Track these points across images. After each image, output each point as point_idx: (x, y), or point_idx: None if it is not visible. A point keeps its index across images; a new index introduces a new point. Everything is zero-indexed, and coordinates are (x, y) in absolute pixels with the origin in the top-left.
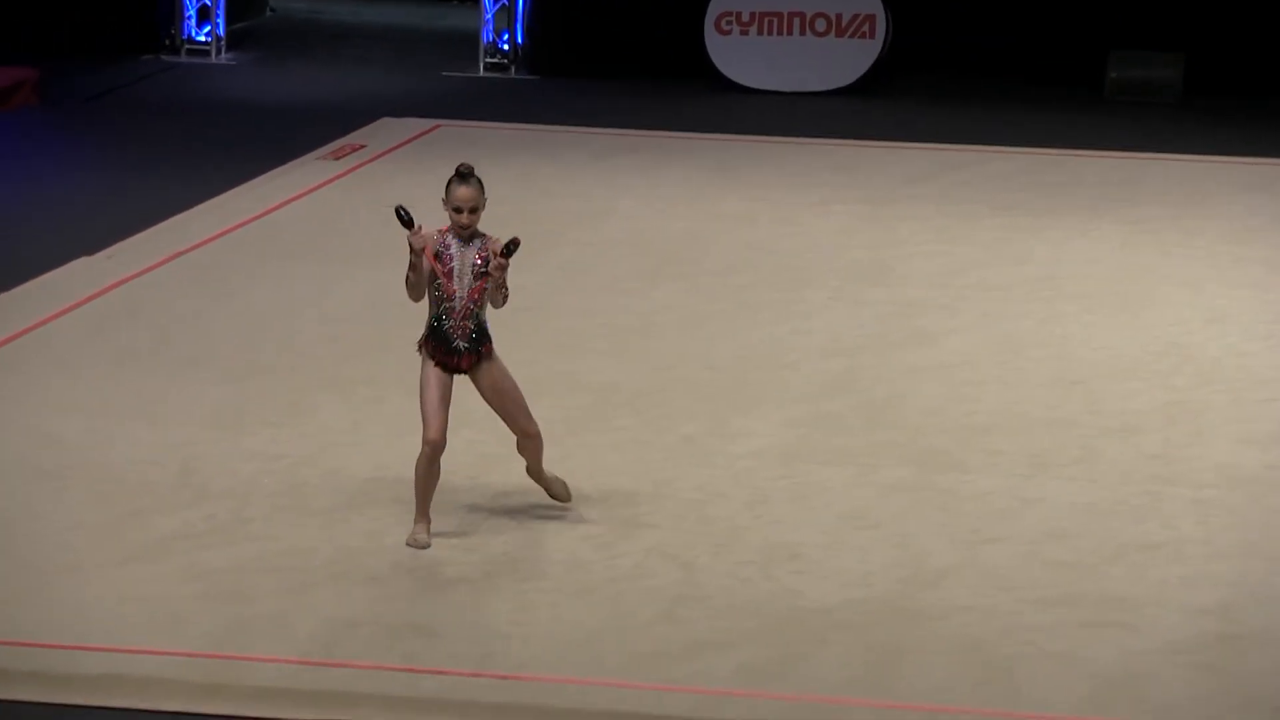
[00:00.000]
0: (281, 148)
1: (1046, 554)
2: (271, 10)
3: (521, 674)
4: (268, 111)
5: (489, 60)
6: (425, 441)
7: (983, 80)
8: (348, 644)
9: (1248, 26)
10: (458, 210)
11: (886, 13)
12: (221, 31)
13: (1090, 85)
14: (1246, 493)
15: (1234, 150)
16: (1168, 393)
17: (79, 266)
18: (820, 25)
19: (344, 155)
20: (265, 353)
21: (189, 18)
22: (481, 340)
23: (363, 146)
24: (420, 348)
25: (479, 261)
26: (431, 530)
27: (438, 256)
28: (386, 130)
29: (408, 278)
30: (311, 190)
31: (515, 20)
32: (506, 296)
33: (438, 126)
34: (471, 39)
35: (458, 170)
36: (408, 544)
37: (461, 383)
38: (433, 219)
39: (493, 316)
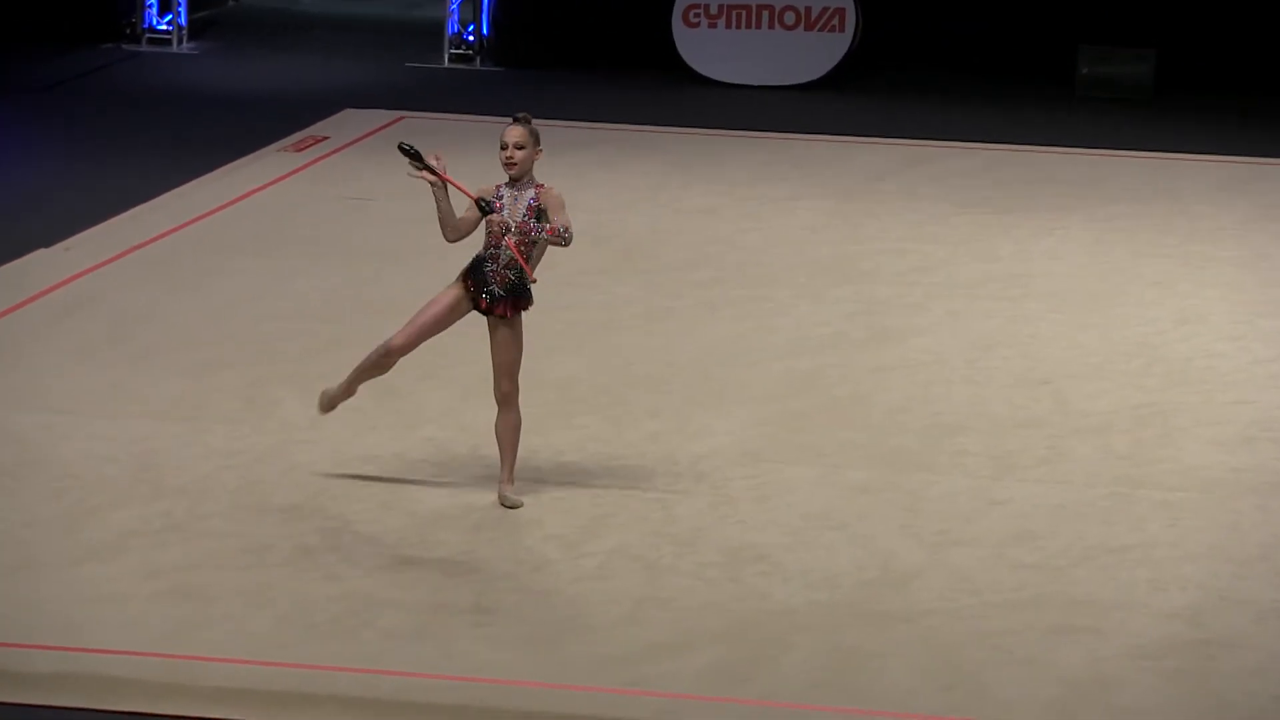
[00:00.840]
0: (243, 139)
1: (1014, 556)
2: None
3: (483, 676)
4: (229, 102)
5: (454, 52)
6: (388, 341)
7: (952, 75)
8: (306, 644)
9: (1220, 23)
10: (502, 147)
11: (857, 7)
12: (184, 20)
13: (1060, 81)
14: (1216, 495)
15: (1206, 149)
16: (1137, 393)
17: (35, 259)
18: (789, 18)
19: (306, 147)
20: (225, 347)
21: (150, 6)
22: (517, 293)
23: (325, 139)
24: (461, 277)
25: (529, 212)
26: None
27: (486, 206)
28: (349, 122)
29: (439, 217)
30: (273, 183)
31: (481, 12)
32: (567, 237)
33: (401, 118)
34: (436, 30)
35: (514, 115)
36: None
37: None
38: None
39: None
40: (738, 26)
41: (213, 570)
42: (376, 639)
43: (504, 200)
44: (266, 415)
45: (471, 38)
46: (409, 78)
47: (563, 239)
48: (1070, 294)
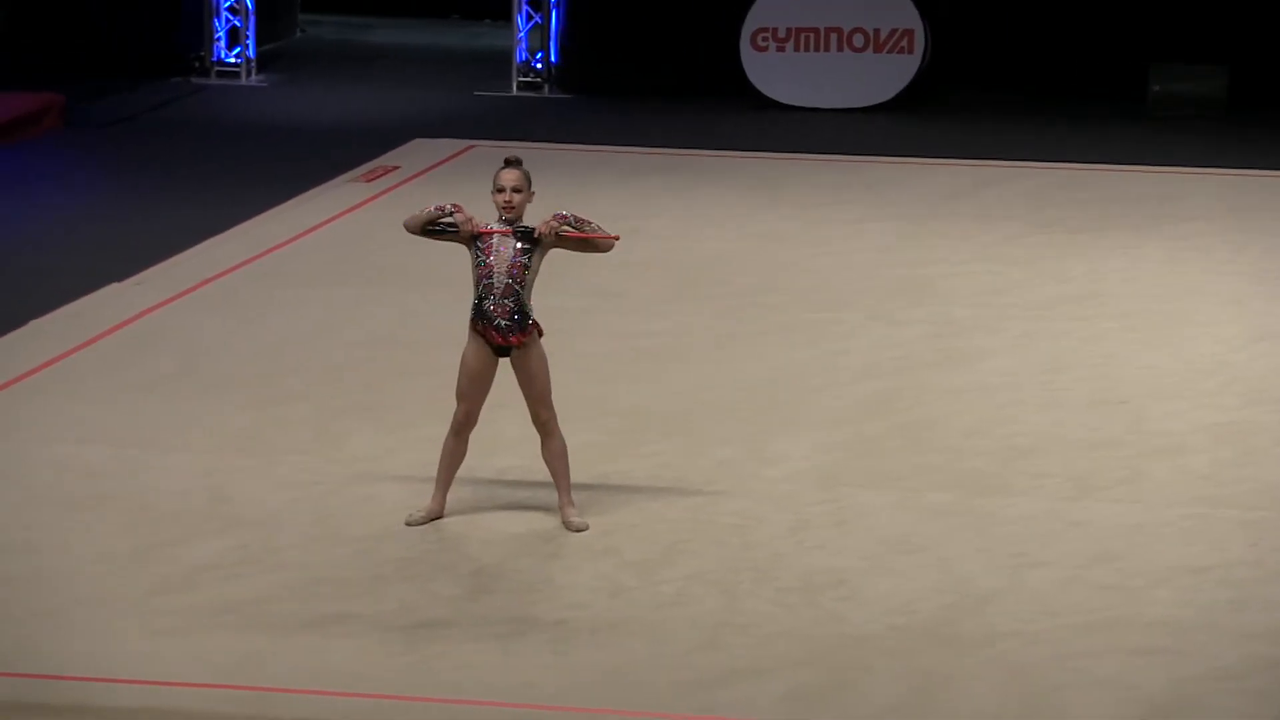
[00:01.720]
0: (313, 170)
1: (1092, 577)
2: (302, 31)
3: (561, 705)
4: (298, 133)
5: (522, 79)
6: (454, 417)
7: (1023, 95)
8: (383, 675)
9: None
10: (499, 190)
11: (926, 27)
12: (252, 53)
13: (1132, 99)
14: None
15: (1279, 164)
16: (1215, 412)
17: (107, 294)
18: (858, 41)
19: (376, 178)
20: (295, 379)
21: (219, 39)
22: (525, 320)
23: (396, 168)
24: (471, 327)
25: (519, 246)
26: (445, 513)
27: (477, 240)
28: (419, 151)
29: (427, 212)
30: (344, 214)
31: (550, 39)
32: (597, 243)
33: (471, 147)
34: (505, 58)
35: (505, 159)
36: (406, 522)
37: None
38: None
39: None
40: (806, 50)
41: (286, 602)
42: (453, 668)
43: (494, 243)
44: (338, 446)
45: (540, 65)
46: (478, 106)
47: (602, 231)
48: (1144, 313)
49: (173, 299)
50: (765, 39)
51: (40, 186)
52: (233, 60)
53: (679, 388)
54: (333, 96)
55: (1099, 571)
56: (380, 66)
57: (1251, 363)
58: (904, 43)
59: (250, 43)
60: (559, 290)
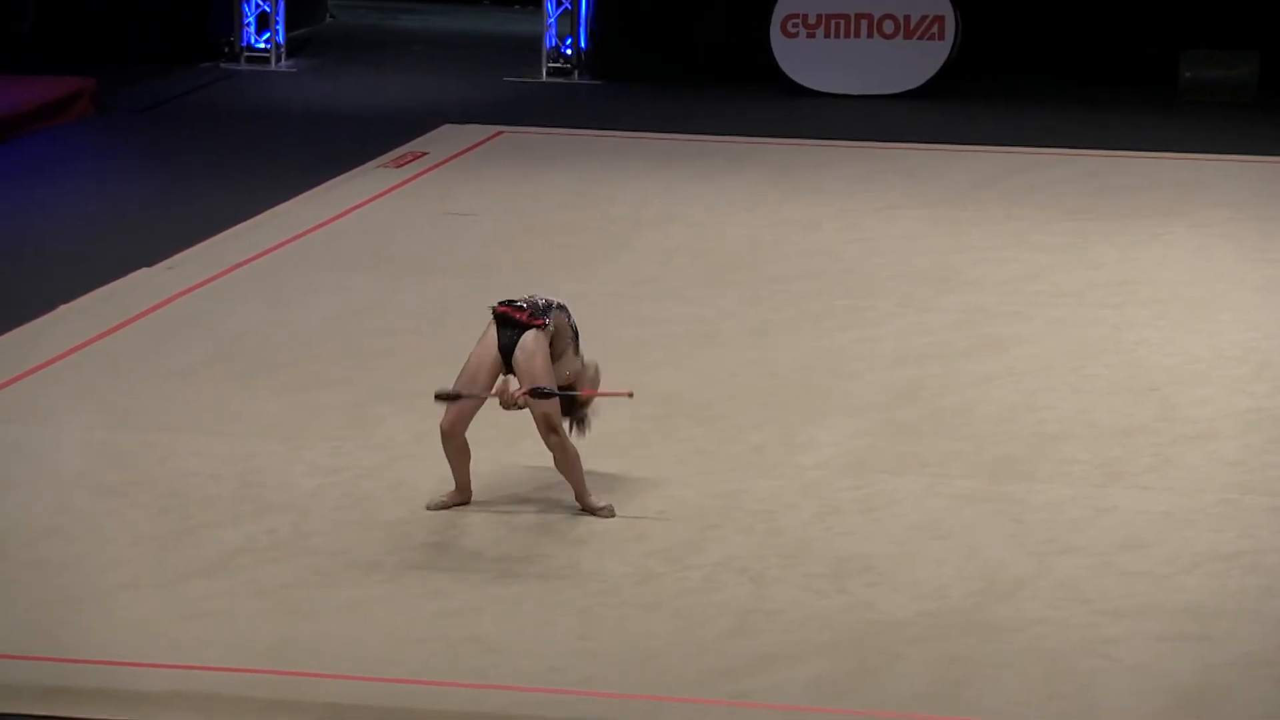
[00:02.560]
0: (342, 156)
1: (1122, 564)
2: (331, 16)
3: (589, 689)
4: (328, 119)
5: (552, 65)
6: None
7: (1052, 81)
8: (412, 659)
9: None
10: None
11: (956, 13)
12: (281, 39)
13: (1162, 86)
14: None
15: None
16: (1245, 399)
17: (138, 278)
18: (888, 27)
19: (405, 163)
20: (326, 364)
21: (248, 24)
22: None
23: (424, 154)
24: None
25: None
26: (470, 502)
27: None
28: (448, 137)
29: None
30: (374, 199)
31: (579, 25)
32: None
33: (500, 133)
34: (534, 44)
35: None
36: (426, 506)
37: None
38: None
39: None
40: (836, 36)
41: (318, 587)
42: (482, 654)
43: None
44: (369, 431)
45: (569, 51)
46: (507, 92)
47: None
48: (1174, 300)
49: (203, 283)
50: (795, 25)
51: (71, 171)
52: (262, 46)
53: (710, 374)
54: (362, 82)
55: (1128, 558)
56: (409, 52)
57: None
58: (934, 29)
59: (280, 28)
60: (590, 278)
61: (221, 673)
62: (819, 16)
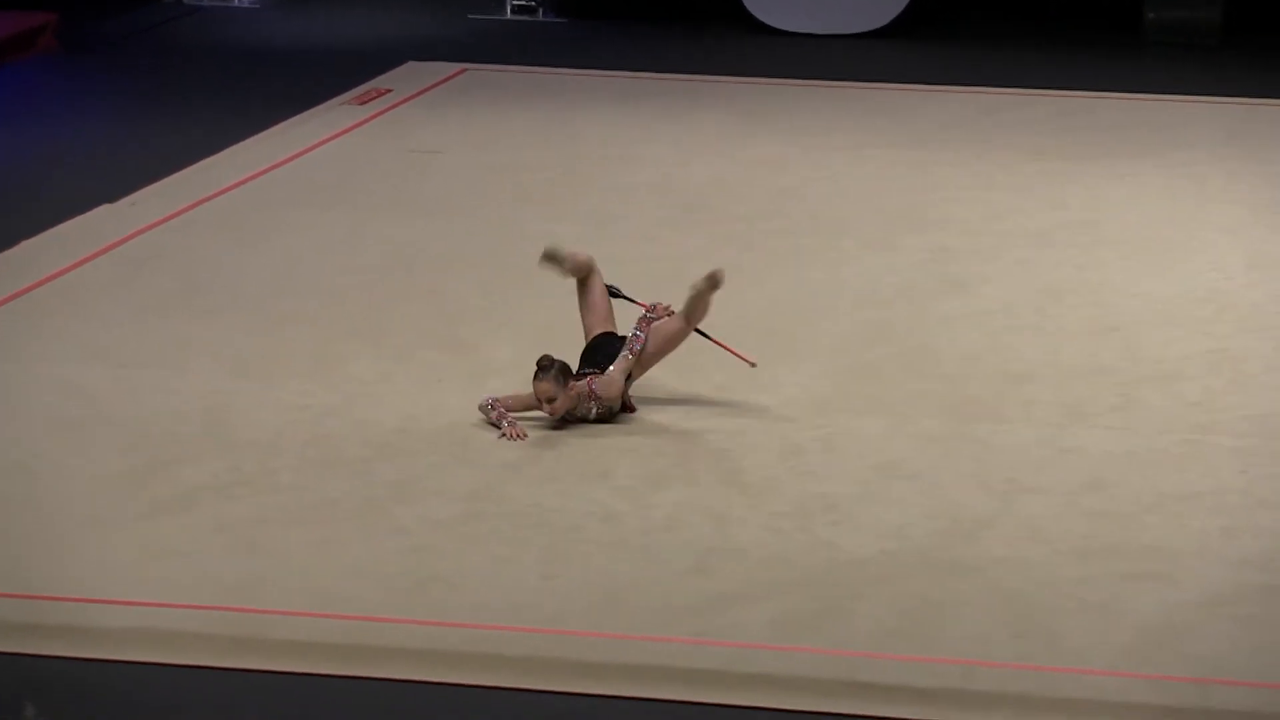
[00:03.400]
0: (305, 93)
1: (1085, 504)
2: None
3: (551, 627)
4: (291, 56)
5: (516, 3)
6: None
7: (1020, 23)
8: (375, 596)
9: None
10: (541, 405)
11: None
12: None
13: (1127, 27)
14: None
15: (1276, 92)
16: (1208, 340)
17: (101, 214)
18: None
19: (369, 100)
20: (292, 301)
21: None
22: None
23: (389, 91)
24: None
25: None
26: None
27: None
28: (412, 74)
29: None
30: (337, 136)
31: None
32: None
33: (464, 70)
34: None
35: (538, 363)
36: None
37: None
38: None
39: (511, 267)
40: None
41: (282, 524)
42: (444, 591)
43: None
44: (335, 370)
45: None
46: (471, 30)
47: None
48: (1140, 241)
49: (167, 219)
50: None
51: (33, 107)
52: None
53: None
54: (325, 19)
55: (1091, 498)
56: None
57: (1246, 291)
58: None
59: None
60: (556, 218)
61: (185, 610)
62: None
